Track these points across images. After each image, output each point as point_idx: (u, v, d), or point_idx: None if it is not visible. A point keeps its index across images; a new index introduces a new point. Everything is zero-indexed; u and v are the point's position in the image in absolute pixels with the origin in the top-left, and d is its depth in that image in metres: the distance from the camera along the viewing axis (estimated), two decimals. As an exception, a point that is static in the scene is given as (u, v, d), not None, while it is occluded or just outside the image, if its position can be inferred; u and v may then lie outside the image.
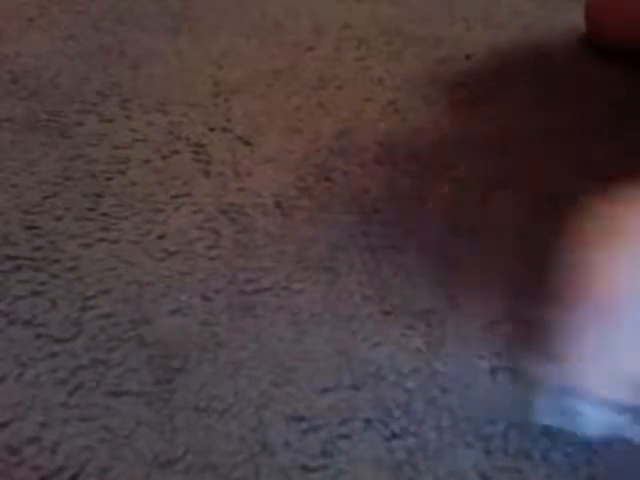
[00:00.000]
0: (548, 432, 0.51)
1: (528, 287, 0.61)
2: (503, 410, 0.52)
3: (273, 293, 0.61)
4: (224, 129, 0.79)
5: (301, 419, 0.51)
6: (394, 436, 0.50)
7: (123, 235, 0.65)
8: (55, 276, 0.61)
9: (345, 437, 0.50)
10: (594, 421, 0.50)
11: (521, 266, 0.65)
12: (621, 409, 0.50)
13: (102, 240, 0.65)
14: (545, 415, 0.51)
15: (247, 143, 0.77)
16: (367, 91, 0.88)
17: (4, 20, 0.94)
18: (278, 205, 0.70)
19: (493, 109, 0.87)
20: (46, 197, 0.68)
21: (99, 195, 0.69)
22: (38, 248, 0.63)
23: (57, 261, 0.62)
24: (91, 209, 0.68)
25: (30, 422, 0.50)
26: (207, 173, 0.73)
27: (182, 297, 0.60)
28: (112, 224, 0.66)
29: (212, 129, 0.79)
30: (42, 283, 0.60)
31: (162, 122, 0.79)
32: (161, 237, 0.66)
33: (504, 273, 0.64)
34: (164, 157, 0.75)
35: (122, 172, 0.72)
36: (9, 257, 0.62)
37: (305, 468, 0.48)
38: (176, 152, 0.75)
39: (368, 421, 0.51)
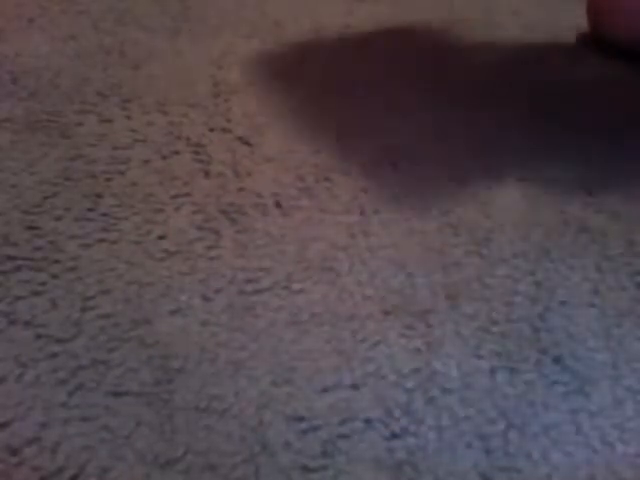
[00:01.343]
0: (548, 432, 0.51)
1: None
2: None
3: (273, 293, 0.61)
4: (224, 129, 0.79)
5: (301, 419, 0.51)
6: (394, 436, 0.50)
7: (123, 235, 0.65)
8: (55, 276, 0.61)
9: (345, 437, 0.50)
10: None
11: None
12: None
13: (102, 240, 0.65)
14: None
15: (247, 143, 0.77)
16: (367, 91, 0.88)
17: (4, 20, 0.94)
18: (278, 205, 0.70)
19: (493, 109, 0.87)
20: (46, 197, 0.68)
21: (99, 195, 0.69)
22: (38, 248, 0.63)
23: (57, 261, 0.62)
24: (91, 209, 0.68)
25: (30, 422, 0.50)
26: (207, 173, 0.73)
27: (182, 297, 0.60)
28: (112, 224, 0.66)
29: (212, 129, 0.79)
30: (42, 283, 0.60)
31: (162, 122, 0.79)
32: (161, 237, 0.66)
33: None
34: (164, 157, 0.75)
35: (122, 172, 0.72)
36: (9, 257, 0.62)
37: (305, 468, 0.48)
38: (176, 152, 0.75)
39: (368, 421, 0.51)
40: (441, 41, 0.99)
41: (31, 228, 0.64)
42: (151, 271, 0.62)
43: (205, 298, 0.60)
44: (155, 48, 0.91)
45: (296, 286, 0.61)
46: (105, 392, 0.52)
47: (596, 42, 0.97)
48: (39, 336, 0.56)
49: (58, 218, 0.66)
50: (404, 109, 0.85)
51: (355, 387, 0.53)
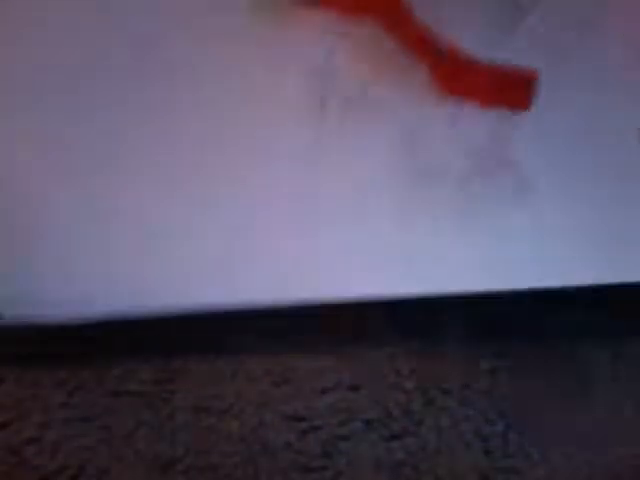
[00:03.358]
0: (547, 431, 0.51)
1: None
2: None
3: (273, 293, 0.60)
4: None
5: (301, 419, 0.51)
6: (394, 436, 0.50)
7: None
8: (55, 276, 0.61)
9: (345, 438, 0.50)
10: None
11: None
12: None
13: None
14: None
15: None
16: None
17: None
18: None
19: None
20: (46, 196, 0.68)
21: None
22: (38, 248, 0.63)
23: (57, 261, 0.62)
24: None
25: (30, 422, 0.50)
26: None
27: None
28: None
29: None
30: (42, 283, 0.60)
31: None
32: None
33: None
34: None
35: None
36: (9, 257, 0.62)
37: (305, 468, 0.48)
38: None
39: (368, 422, 0.51)
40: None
41: (31, 227, 0.64)
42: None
43: (205, 298, 0.60)
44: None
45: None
46: (105, 392, 0.52)
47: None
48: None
49: (58, 217, 0.66)
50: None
51: (355, 387, 0.53)
